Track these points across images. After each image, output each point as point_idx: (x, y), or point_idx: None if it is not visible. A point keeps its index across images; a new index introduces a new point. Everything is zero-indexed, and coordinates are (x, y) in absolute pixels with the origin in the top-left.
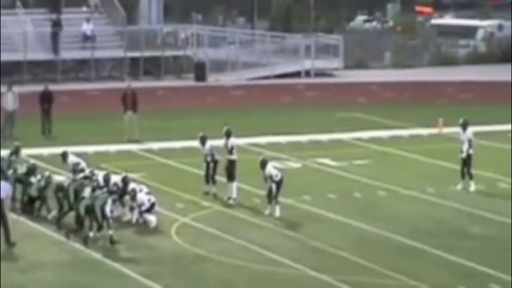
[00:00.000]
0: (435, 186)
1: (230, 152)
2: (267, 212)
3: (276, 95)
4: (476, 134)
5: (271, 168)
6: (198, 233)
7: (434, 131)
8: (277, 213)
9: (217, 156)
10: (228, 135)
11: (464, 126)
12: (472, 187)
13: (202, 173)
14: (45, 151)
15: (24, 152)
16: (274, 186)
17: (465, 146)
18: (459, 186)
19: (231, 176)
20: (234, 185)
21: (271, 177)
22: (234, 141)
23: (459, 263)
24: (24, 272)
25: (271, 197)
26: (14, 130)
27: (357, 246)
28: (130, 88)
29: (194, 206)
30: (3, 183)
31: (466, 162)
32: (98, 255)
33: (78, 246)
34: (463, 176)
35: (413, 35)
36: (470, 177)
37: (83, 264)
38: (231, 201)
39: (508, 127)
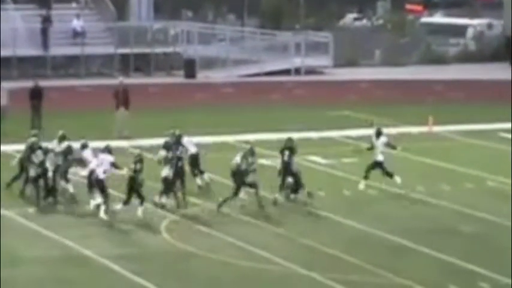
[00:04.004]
0: (425, 185)
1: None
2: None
3: (265, 92)
4: (466, 133)
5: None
6: (187, 230)
7: (424, 129)
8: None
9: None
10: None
11: (377, 135)
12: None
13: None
14: None
15: (13, 147)
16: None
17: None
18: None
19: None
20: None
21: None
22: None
23: (449, 261)
24: (13, 267)
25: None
26: (2, 126)
27: (347, 244)
28: (122, 85)
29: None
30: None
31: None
32: (87, 252)
33: (68, 242)
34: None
35: (403, 33)
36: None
37: (72, 260)
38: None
39: (497, 126)
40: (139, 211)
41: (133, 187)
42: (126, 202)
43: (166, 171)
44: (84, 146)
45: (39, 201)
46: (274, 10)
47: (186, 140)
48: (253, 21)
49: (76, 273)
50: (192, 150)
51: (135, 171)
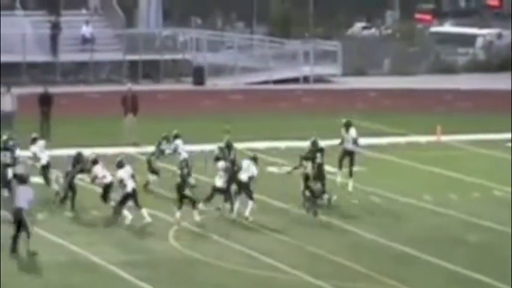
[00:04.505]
0: (432, 194)
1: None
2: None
3: (274, 100)
4: (473, 142)
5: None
6: (195, 237)
7: (432, 138)
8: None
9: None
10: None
11: (346, 127)
12: (350, 186)
13: (200, 176)
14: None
15: (23, 153)
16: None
17: (349, 145)
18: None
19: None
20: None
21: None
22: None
23: (455, 270)
24: (22, 272)
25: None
26: (12, 132)
27: (353, 252)
28: (130, 91)
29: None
30: (23, 188)
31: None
32: (95, 258)
33: (75, 248)
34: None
35: (412, 42)
36: (351, 174)
37: (80, 266)
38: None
39: (505, 136)
40: (195, 215)
41: (183, 192)
42: (179, 207)
43: (219, 180)
44: (94, 162)
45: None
46: (283, 18)
47: (179, 145)
48: (262, 29)
49: (83, 279)
50: (185, 155)
51: (183, 175)
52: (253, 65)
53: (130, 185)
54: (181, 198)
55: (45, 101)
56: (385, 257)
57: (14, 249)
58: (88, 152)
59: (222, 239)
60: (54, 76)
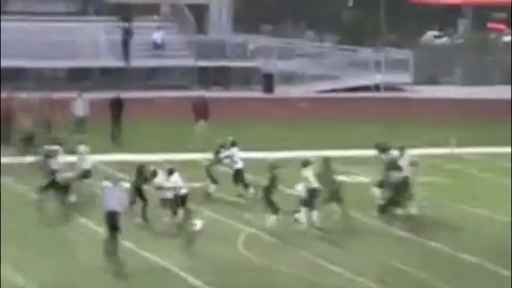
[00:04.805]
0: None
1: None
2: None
3: (344, 108)
4: None
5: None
6: (264, 244)
7: (508, 150)
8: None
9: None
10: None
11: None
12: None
13: (266, 182)
14: (115, 158)
15: (93, 158)
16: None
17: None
18: None
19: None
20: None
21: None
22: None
23: None
24: (88, 277)
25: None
26: (83, 136)
27: (422, 262)
28: (202, 97)
29: (261, 216)
30: (113, 189)
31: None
32: (164, 263)
33: (146, 253)
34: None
35: (485, 52)
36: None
37: (150, 272)
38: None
39: None
40: (268, 221)
41: (270, 196)
42: (274, 212)
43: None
44: (171, 172)
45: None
46: (353, 27)
47: (235, 152)
48: (332, 37)
49: (154, 285)
50: (240, 164)
51: (272, 179)
52: (323, 73)
53: (183, 191)
54: (269, 203)
55: (117, 105)
56: (452, 267)
57: (109, 251)
58: (157, 158)
59: (292, 247)
60: (125, 81)
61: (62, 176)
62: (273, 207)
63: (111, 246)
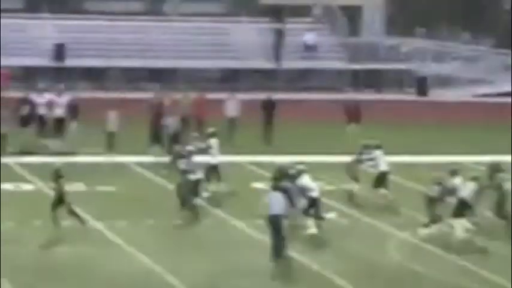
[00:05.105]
0: None
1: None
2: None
3: (499, 113)
4: None
5: None
6: (416, 250)
7: None
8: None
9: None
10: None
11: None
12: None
13: (423, 188)
14: (265, 159)
15: (244, 159)
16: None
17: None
18: None
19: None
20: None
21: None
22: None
23: None
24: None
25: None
26: (234, 137)
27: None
28: (354, 100)
29: (413, 221)
30: (275, 194)
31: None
32: (314, 266)
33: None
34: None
35: None
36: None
37: (294, 274)
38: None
39: None
40: (423, 230)
41: (434, 205)
42: (433, 221)
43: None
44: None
45: None
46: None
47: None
48: (488, 40)
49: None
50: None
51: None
52: (479, 77)
53: (315, 194)
54: (434, 212)
55: (269, 107)
56: None
57: (278, 254)
58: (307, 159)
59: (444, 254)
60: (276, 83)
61: (193, 177)
62: (433, 217)
63: (279, 250)
